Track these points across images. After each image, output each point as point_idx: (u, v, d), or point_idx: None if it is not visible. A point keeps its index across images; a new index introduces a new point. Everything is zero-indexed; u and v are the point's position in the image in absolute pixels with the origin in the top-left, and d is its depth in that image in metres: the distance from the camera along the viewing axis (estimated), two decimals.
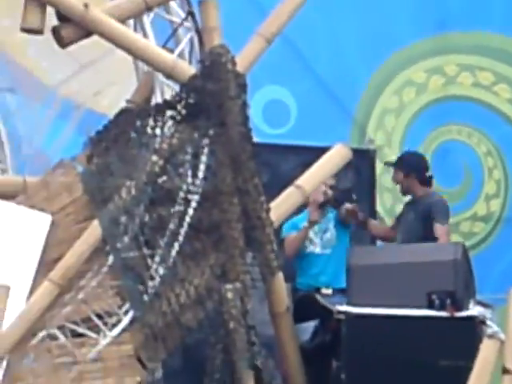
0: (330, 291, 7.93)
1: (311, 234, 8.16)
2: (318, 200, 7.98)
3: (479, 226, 10.12)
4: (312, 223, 7.98)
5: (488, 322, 7.22)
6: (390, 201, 10.81)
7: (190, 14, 7.23)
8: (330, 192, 8.03)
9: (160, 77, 7.27)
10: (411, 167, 9.04)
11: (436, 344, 7.06)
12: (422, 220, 8.94)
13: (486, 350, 6.79)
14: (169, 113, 6.91)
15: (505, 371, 6.79)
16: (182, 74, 7.03)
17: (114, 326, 6.83)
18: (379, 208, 10.15)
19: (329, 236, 8.39)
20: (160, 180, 6.81)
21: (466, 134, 10.93)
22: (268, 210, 6.86)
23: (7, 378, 6.96)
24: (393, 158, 10.20)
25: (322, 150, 7.57)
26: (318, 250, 8.09)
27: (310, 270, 8.08)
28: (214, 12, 7.10)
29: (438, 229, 8.68)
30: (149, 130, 6.90)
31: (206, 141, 6.77)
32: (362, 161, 9.17)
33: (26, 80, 9.44)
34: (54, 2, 6.86)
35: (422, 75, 10.77)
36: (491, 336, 6.90)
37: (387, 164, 9.30)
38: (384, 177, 9.68)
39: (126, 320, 6.79)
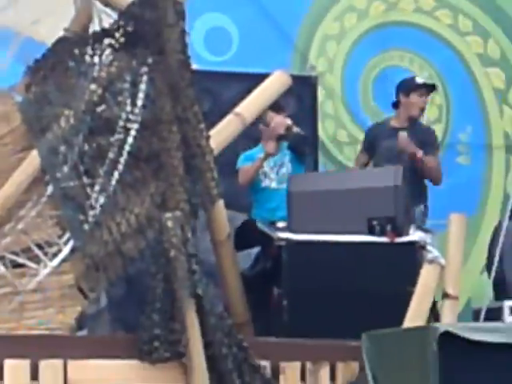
0: (285, 225, 7.89)
1: (267, 169, 8.17)
2: (278, 132, 8.00)
3: None
4: (268, 155, 8.01)
5: (428, 248, 7.35)
6: (332, 127, 10.84)
7: None
8: (293, 128, 8.07)
9: (98, 4, 7.18)
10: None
11: (377, 270, 7.13)
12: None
13: (427, 275, 6.96)
14: (107, 41, 6.82)
15: (445, 296, 7.00)
16: (120, 2, 6.99)
17: (55, 255, 6.79)
18: (321, 134, 10.22)
19: (284, 171, 8.42)
20: (99, 109, 6.74)
21: (408, 60, 10.99)
22: (208, 138, 6.85)
23: None
24: (337, 84, 10.58)
25: (264, 77, 7.57)
26: (273, 184, 8.13)
27: (266, 204, 8.13)
28: None
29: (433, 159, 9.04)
30: (87, 59, 6.81)
31: (144, 69, 6.71)
32: (304, 87, 9.18)
33: None
34: None
35: (363, 1, 10.77)
36: (431, 261, 7.05)
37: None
38: (326, 103, 9.65)
39: (66, 250, 6.76)
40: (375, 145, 9.38)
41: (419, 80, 9.37)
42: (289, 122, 7.98)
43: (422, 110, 9.49)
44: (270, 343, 6.90)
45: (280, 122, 7.92)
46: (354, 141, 10.62)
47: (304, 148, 8.60)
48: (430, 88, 9.41)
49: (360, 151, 9.77)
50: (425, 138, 9.31)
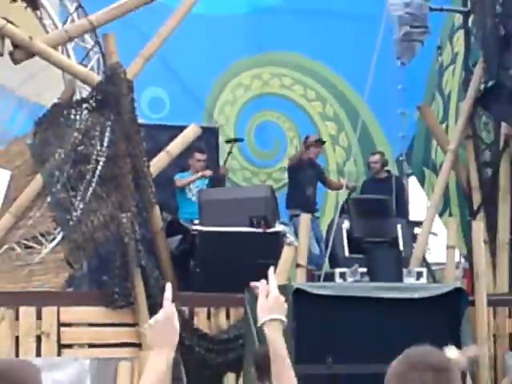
0: (198, 222, 7.80)
1: (192, 186, 8.14)
2: (206, 175, 8.06)
3: (284, 175, 9.88)
4: (203, 176, 8.10)
5: (287, 235, 7.50)
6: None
7: (97, 42, 7.15)
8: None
9: (78, 82, 7.20)
10: None
11: (255, 249, 7.17)
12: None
13: (286, 253, 7.08)
14: (84, 105, 6.89)
15: (297, 265, 7.13)
16: (92, 81, 6.98)
17: (52, 240, 6.98)
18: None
19: None
20: (79, 148, 6.78)
21: (276, 116, 10.81)
22: (149, 166, 6.98)
23: None
24: (231, 133, 10.24)
25: (184, 128, 7.59)
26: (194, 198, 8.05)
27: (187, 209, 8.06)
28: (112, 40, 7.03)
29: None
30: (72, 117, 6.84)
31: (108, 123, 6.79)
32: (210, 135, 8.98)
33: None
34: (10, 35, 6.78)
35: (248, 79, 10.62)
36: (289, 244, 7.23)
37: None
38: (223, 146, 9.44)
39: (59, 237, 6.93)
40: (298, 170, 9.17)
41: (313, 138, 9.32)
42: (208, 172, 8.03)
43: (317, 155, 9.32)
44: (188, 295, 6.92)
45: (205, 170, 8.08)
46: (243, 168, 10.43)
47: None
48: (322, 142, 9.44)
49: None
50: (321, 170, 9.43)
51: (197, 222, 7.54)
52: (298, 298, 5.90)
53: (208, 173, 8.19)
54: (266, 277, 2.24)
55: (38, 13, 7.17)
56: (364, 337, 6.18)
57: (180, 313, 6.32)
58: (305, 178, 8.94)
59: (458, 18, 9.71)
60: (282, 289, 5.41)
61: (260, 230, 7.33)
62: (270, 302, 2.01)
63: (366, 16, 9.73)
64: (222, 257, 7.21)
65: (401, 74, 9.01)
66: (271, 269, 2.17)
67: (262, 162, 10.68)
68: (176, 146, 7.39)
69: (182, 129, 7.64)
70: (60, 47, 7.05)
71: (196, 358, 6.72)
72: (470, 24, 8.76)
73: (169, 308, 1.98)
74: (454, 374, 1.69)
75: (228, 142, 9.39)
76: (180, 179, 8.15)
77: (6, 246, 6.75)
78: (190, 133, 7.50)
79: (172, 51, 8.90)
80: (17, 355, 6.17)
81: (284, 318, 2.01)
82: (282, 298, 2.04)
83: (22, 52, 6.83)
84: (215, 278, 7.15)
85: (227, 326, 7.07)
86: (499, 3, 7.97)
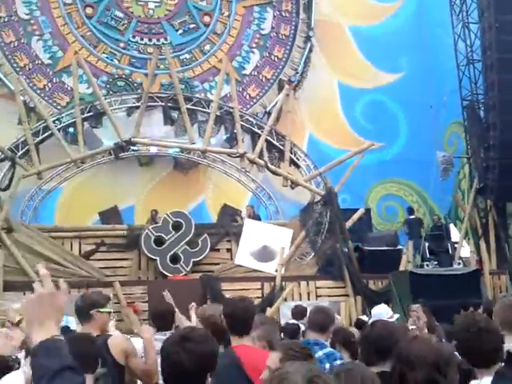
0: None
1: None
2: None
3: None
4: None
5: None
6: None
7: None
8: None
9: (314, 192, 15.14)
10: None
11: None
12: None
13: None
14: (319, 203, 14.53)
15: None
16: (320, 193, 14.48)
17: (309, 255, 14.42)
18: None
19: None
20: (318, 219, 14.74)
21: None
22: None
23: None
24: None
25: None
26: None
27: None
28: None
29: None
30: (315, 207, 14.85)
31: (328, 211, 15.14)
32: None
33: None
34: None
35: None
36: None
37: None
38: None
39: (312, 255, 14.69)
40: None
41: None
42: None
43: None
44: None
45: None
46: None
47: None
48: None
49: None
50: None
51: None
52: (411, 276, 12.26)
53: None
54: None
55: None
56: (440, 290, 11.95)
57: None
58: None
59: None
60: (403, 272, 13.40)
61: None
62: None
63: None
64: None
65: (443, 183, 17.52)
66: None
67: None
68: None
69: None
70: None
71: None
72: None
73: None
74: None
75: None
76: None
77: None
78: None
79: None
80: None
81: None
82: None
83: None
84: None
85: None
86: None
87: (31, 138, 14.21)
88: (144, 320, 11.11)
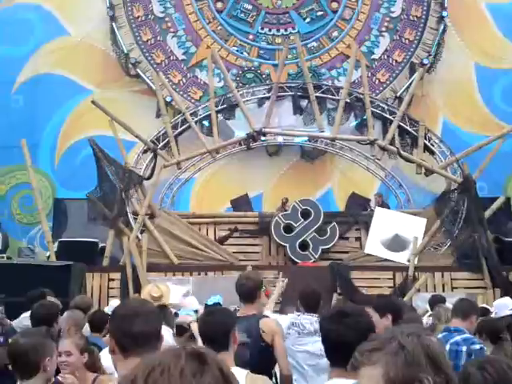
0: None
1: None
2: None
3: None
4: None
5: None
6: None
7: None
8: None
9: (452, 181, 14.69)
10: None
11: None
12: None
13: None
14: (456, 190, 13.57)
15: None
16: (456, 180, 13.52)
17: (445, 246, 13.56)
18: None
19: None
20: (455, 208, 13.81)
21: None
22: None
23: None
24: None
25: None
26: None
27: None
28: None
29: None
30: (451, 195, 14.15)
31: (465, 199, 13.78)
32: None
33: None
34: None
35: None
36: None
37: None
38: None
39: (448, 244, 13.81)
40: None
41: None
42: None
43: None
44: None
45: None
46: None
47: None
48: None
49: None
50: None
51: None
52: None
53: None
54: None
55: None
56: None
57: None
58: None
59: None
60: None
61: None
62: None
63: None
64: None
65: None
66: None
67: None
68: None
69: None
70: None
71: None
72: None
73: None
74: None
75: None
76: None
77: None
78: None
79: None
80: None
81: None
82: None
83: None
84: None
85: None
86: None
87: (171, 130, 14.48)
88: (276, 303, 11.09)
